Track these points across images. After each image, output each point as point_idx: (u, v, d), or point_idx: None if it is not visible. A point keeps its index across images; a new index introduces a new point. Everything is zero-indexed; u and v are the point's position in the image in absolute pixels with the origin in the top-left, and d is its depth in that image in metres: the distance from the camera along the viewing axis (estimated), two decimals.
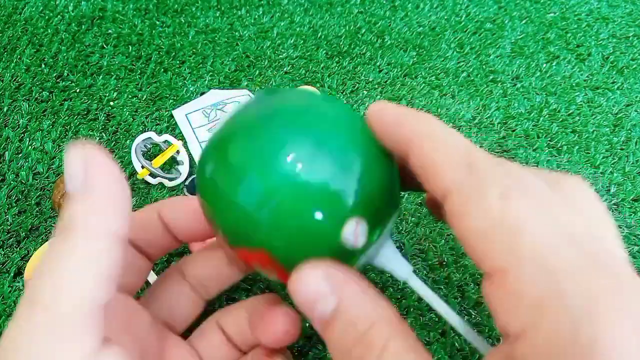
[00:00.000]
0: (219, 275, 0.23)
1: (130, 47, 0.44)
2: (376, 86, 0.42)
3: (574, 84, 0.43)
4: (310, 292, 0.17)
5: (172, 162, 0.36)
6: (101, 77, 0.42)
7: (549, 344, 0.12)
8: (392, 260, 0.19)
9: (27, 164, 0.36)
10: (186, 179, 0.35)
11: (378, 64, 0.44)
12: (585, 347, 0.12)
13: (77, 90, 0.41)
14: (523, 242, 0.13)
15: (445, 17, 0.49)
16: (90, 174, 0.16)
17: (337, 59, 0.44)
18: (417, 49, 0.45)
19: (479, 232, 0.14)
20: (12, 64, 0.42)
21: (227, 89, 0.41)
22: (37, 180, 0.35)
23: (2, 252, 0.31)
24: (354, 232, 0.17)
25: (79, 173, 0.16)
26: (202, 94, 0.41)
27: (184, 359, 0.22)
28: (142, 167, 0.35)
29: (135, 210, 0.24)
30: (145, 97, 0.41)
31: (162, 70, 0.43)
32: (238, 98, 0.40)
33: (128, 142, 0.37)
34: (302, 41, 0.46)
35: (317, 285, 0.17)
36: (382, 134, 0.18)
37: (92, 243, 0.15)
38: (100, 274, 0.15)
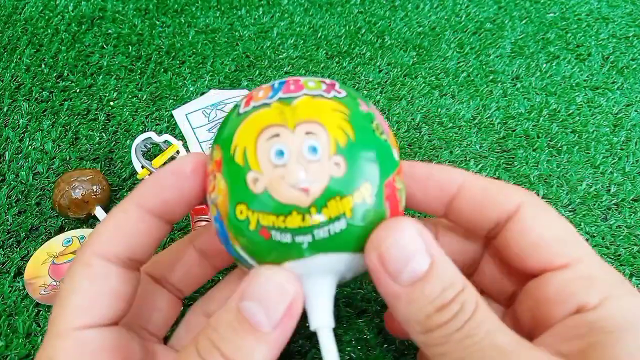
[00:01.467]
0: (193, 276, 0.23)
1: (130, 47, 0.44)
2: (376, 86, 0.42)
3: (574, 84, 0.43)
4: (407, 247, 0.16)
5: None
6: (101, 77, 0.42)
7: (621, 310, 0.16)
8: (317, 300, 0.17)
9: (27, 164, 0.36)
10: None
11: (378, 64, 0.44)
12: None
13: (77, 90, 0.41)
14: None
15: (445, 17, 0.49)
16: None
17: (337, 59, 0.44)
18: (417, 49, 0.45)
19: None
20: (12, 64, 0.42)
21: (227, 89, 0.41)
22: (37, 180, 0.35)
23: (2, 252, 0.31)
24: None
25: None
26: (202, 94, 0.41)
27: None
28: (142, 167, 0.35)
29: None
30: (145, 97, 0.41)
31: (162, 70, 0.43)
32: (238, 98, 0.40)
33: (128, 142, 0.37)
34: (302, 41, 0.46)
35: (414, 241, 0.16)
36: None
37: None
38: None
